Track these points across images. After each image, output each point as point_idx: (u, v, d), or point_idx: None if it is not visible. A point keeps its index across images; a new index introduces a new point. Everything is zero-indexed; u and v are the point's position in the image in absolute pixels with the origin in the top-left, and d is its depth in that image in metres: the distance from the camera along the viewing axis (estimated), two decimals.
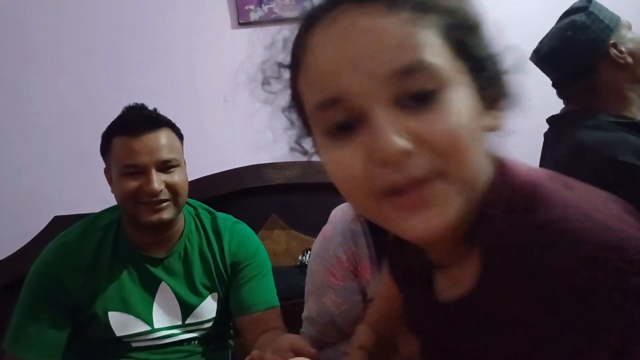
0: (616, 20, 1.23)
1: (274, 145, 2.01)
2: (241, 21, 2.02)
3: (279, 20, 2.03)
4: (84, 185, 1.82)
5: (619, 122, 1.16)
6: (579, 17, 1.22)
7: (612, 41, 1.21)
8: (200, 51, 1.98)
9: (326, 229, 1.03)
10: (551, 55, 1.26)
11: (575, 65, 1.25)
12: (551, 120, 1.30)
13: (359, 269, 0.97)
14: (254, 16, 2.03)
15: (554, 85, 1.32)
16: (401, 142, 0.41)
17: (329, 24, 0.45)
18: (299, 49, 0.49)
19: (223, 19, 2.02)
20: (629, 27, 1.24)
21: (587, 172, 1.09)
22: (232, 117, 1.93)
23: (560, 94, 1.32)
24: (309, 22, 0.48)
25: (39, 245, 1.27)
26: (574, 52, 1.23)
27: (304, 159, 1.65)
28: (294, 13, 2.03)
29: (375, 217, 0.47)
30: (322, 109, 0.45)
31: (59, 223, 1.62)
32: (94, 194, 1.69)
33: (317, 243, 1.04)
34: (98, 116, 1.81)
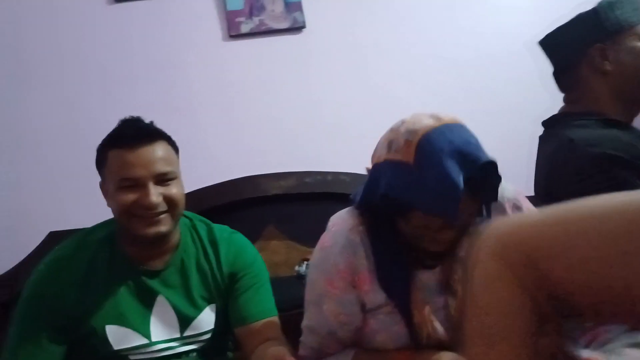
0: (624, 24, 1.19)
1: (269, 155, 2.04)
2: (232, 33, 2.04)
3: (270, 32, 2.05)
4: (80, 200, 1.82)
5: (608, 121, 1.16)
6: (585, 13, 1.22)
7: (599, 44, 1.21)
8: (192, 63, 2.00)
9: (325, 238, 1.03)
10: (547, 41, 1.27)
11: (560, 58, 1.27)
12: (545, 122, 1.31)
13: (357, 280, 0.98)
14: (244, 28, 2.04)
15: (553, 74, 1.33)
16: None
17: None
18: None
19: (214, 32, 2.04)
20: None
21: (573, 166, 1.10)
22: (226, 129, 1.96)
23: (557, 85, 1.33)
24: None
25: (34, 261, 1.27)
26: (563, 44, 1.25)
27: (300, 168, 1.66)
28: (285, 24, 2.05)
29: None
30: None
31: (55, 239, 1.62)
32: (90, 210, 1.68)
33: (316, 252, 1.03)
34: (92, 131, 1.81)
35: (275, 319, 1.21)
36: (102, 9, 1.97)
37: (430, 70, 2.03)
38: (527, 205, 1.05)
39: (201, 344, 1.18)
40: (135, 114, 1.20)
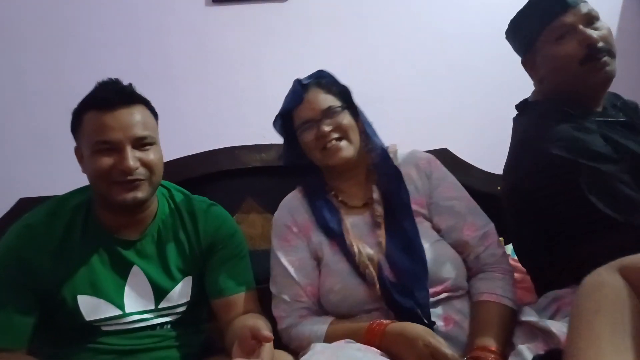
0: (531, 35, 1.20)
1: (249, 126, 2.00)
2: None
3: None
4: (49, 166, 1.77)
5: (565, 112, 1.15)
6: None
7: (523, 59, 1.26)
8: (173, 29, 1.93)
9: (276, 213, 1.29)
10: (508, 27, 1.29)
11: (516, 46, 1.29)
12: (517, 106, 1.32)
13: (303, 230, 1.23)
14: None
15: None
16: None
17: None
18: None
19: None
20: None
21: (528, 166, 1.14)
22: (206, 98, 1.90)
23: None
24: None
25: (3, 227, 1.22)
26: (517, 30, 1.27)
27: (280, 140, 1.64)
28: None
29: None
30: None
31: (24, 205, 1.56)
32: (60, 176, 1.63)
33: (272, 226, 1.28)
34: (63, 95, 1.75)
35: (253, 292, 1.21)
36: None
37: (415, 43, 2.00)
38: (438, 173, 1.27)
39: (176, 316, 1.17)
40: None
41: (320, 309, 1.20)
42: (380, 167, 1.26)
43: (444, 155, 1.61)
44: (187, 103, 1.84)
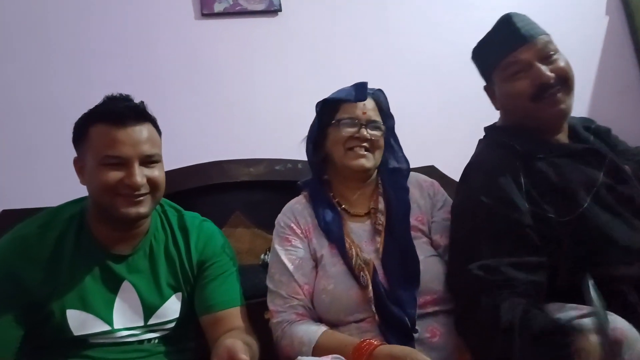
0: (489, 67, 1.23)
1: (239, 140, 1.99)
2: (205, 12, 1.97)
3: (245, 13, 2.00)
4: (33, 178, 1.73)
5: (507, 146, 1.18)
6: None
7: (485, 87, 1.28)
8: (163, 42, 1.93)
9: (279, 216, 1.33)
10: (472, 53, 1.31)
11: (479, 72, 1.31)
12: (485, 128, 1.34)
13: (305, 232, 1.27)
14: (218, 7, 1.99)
15: None
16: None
17: None
18: None
19: (186, 9, 1.97)
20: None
21: (454, 205, 1.24)
22: (196, 111, 1.90)
23: None
24: None
25: None
26: (478, 59, 1.30)
27: (271, 155, 1.63)
28: (260, 6, 2.00)
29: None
30: None
31: (8, 217, 1.53)
32: (45, 187, 1.61)
33: (274, 231, 1.32)
34: (50, 107, 1.73)
35: (241, 308, 1.20)
36: None
37: (406, 63, 2.03)
38: (441, 196, 1.33)
39: (165, 332, 1.16)
40: (101, 91, 1.15)
41: (313, 310, 1.21)
42: (390, 182, 1.33)
43: (431, 173, 1.63)
44: (176, 116, 1.84)
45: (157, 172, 1.11)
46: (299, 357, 1.04)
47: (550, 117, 1.16)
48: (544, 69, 1.14)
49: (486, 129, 1.32)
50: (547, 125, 1.19)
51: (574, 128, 1.24)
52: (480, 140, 1.32)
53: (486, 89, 1.29)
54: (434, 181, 1.38)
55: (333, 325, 1.17)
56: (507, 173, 1.11)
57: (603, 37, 2.13)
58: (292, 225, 1.28)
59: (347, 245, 1.20)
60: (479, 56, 1.27)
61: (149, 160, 1.09)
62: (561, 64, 1.16)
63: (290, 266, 1.21)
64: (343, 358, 1.02)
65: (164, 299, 1.15)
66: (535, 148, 1.16)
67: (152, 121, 1.15)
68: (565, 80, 1.15)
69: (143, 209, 1.09)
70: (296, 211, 1.31)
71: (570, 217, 1.06)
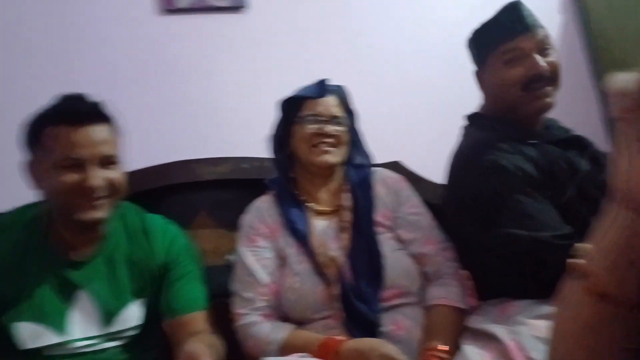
0: (486, 51, 1.23)
1: (204, 139, 1.96)
2: (167, 7, 1.93)
3: (209, 9, 1.96)
4: None
5: (500, 131, 1.21)
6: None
7: (475, 72, 1.29)
8: (122, 38, 1.87)
9: (244, 215, 1.33)
10: (471, 36, 1.31)
11: (473, 56, 1.32)
12: (466, 116, 1.36)
13: (271, 231, 1.26)
14: (181, 2, 1.94)
15: None
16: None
17: None
18: None
19: (146, 4, 1.92)
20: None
21: (445, 201, 1.27)
22: (159, 110, 1.85)
23: None
24: None
25: None
26: (476, 41, 1.29)
27: (237, 154, 1.61)
28: (225, 2, 1.97)
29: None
30: None
31: None
32: (6, 192, 1.54)
33: (240, 226, 1.31)
34: (8, 107, 1.66)
35: (204, 312, 1.18)
36: None
37: (369, 58, 2.03)
38: (406, 192, 1.35)
39: (126, 340, 1.13)
40: (57, 90, 1.10)
41: (279, 309, 1.21)
42: (355, 179, 1.33)
43: (396, 168, 1.64)
44: (138, 115, 1.78)
45: (116, 174, 1.08)
46: (266, 358, 1.04)
47: (535, 109, 1.19)
48: (541, 60, 1.16)
49: (469, 116, 1.33)
50: (530, 117, 1.21)
51: (545, 123, 1.28)
52: (465, 127, 1.33)
53: (477, 73, 1.29)
54: (401, 177, 1.40)
55: (299, 323, 1.18)
56: (510, 147, 1.14)
57: (555, 35, 2.19)
58: (258, 224, 1.28)
59: (313, 242, 1.22)
60: (478, 38, 1.26)
61: (108, 162, 1.06)
62: (555, 59, 1.19)
63: (255, 267, 1.22)
64: (309, 357, 1.03)
65: (124, 305, 1.12)
66: (524, 134, 1.19)
67: (111, 121, 1.10)
68: (555, 76, 1.19)
69: (101, 213, 1.06)
70: (262, 210, 1.31)
71: (557, 203, 1.09)
